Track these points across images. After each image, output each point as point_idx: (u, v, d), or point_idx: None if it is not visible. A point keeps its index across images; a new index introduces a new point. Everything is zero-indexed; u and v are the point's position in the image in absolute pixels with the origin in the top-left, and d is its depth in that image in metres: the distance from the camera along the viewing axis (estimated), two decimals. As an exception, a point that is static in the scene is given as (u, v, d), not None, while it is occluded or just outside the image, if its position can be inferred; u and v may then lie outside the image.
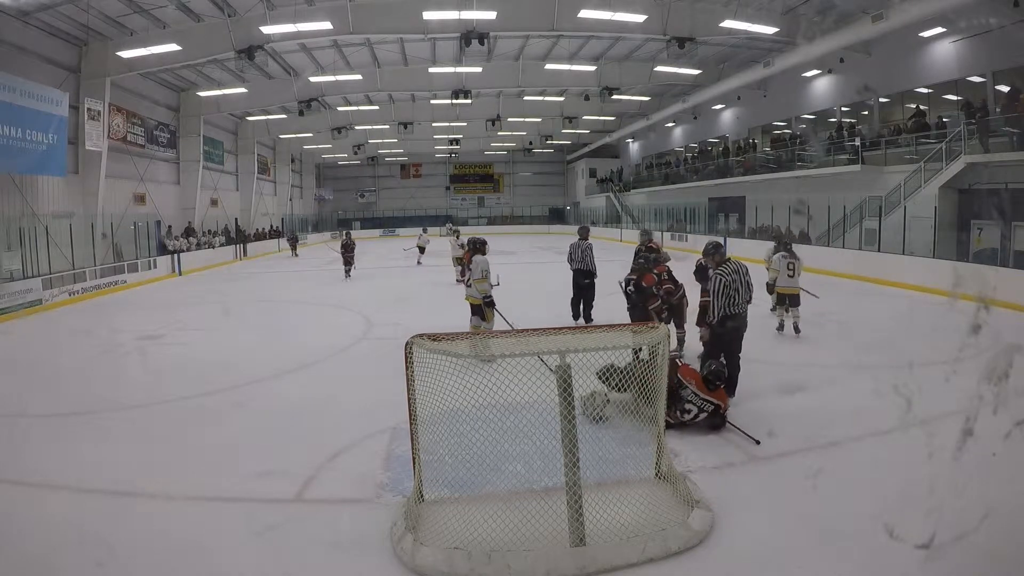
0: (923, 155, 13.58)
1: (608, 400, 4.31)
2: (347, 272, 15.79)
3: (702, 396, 4.51)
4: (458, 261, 13.58)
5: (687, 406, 4.49)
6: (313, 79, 20.08)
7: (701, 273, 6.52)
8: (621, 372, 3.92)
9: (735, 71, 19.18)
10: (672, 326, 6.48)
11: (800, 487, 3.60)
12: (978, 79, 13.32)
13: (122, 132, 17.66)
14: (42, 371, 7.21)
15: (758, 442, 4.19)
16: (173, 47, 14.78)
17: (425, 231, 20.02)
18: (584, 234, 8.74)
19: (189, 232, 21.04)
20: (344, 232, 18.31)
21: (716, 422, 4.51)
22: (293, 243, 26.19)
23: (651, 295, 6.46)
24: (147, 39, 14.79)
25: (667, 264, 6.86)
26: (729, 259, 5.14)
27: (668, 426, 4.23)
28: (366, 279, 15.24)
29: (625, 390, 4.12)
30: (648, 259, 6.77)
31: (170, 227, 20.69)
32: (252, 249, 24.96)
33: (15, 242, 12.36)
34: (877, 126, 16.56)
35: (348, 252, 15.93)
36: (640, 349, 3.69)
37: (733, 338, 4.99)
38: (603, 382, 4.05)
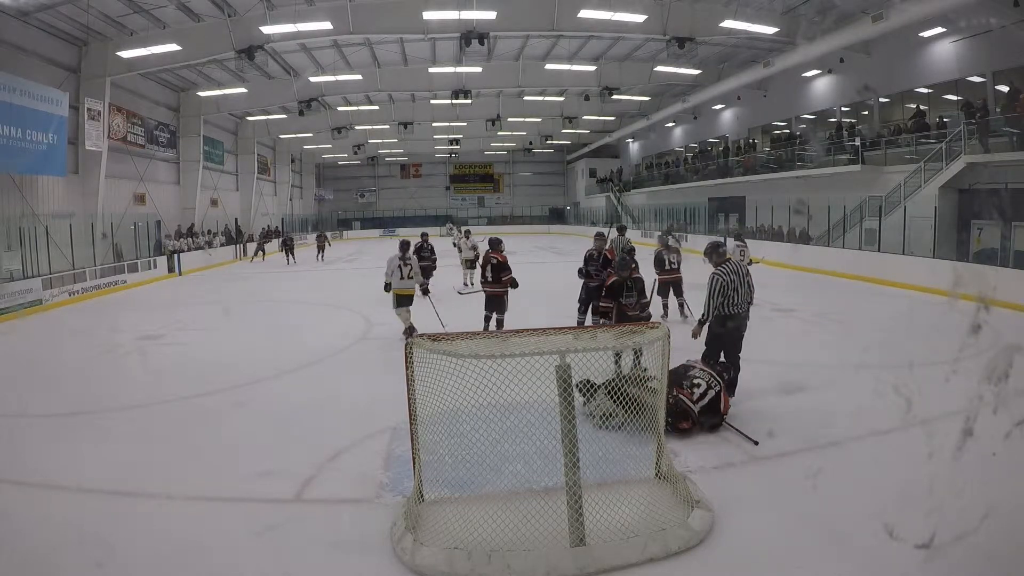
0: (923, 155, 13.58)
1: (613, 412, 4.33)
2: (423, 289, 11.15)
3: (709, 371, 4.54)
4: (470, 264, 12.91)
5: (696, 380, 4.48)
6: (313, 79, 20.09)
7: (657, 262, 8.34)
8: (595, 386, 4.15)
9: (735, 71, 19.18)
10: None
11: (800, 487, 3.60)
12: (978, 79, 13.31)
13: (122, 132, 17.66)
14: (42, 371, 7.21)
15: (756, 443, 4.19)
16: (173, 47, 14.80)
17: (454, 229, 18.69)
18: (620, 233, 10.33)
19: (189, 232, 21.03)
20: (422, 234, 12.47)
21: (715, 421, 4.50)
22: (321, 244, 23.04)
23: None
24: (147, 39, 14.81)
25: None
26: (729, 259, 5.15)
27: (675, 417, 4.27)
28: (366, 279, 15.20)
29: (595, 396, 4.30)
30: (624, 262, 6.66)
31: (179, 227, 20.68)
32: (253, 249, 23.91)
33: (15, 242, 12.36)
34: (877, 126, 16.55)
35: (423, 260, 11.25)
36: (621, 356, 3.72)
37: (733, 338, 4.99)
38: (582, 393, 4.15)
